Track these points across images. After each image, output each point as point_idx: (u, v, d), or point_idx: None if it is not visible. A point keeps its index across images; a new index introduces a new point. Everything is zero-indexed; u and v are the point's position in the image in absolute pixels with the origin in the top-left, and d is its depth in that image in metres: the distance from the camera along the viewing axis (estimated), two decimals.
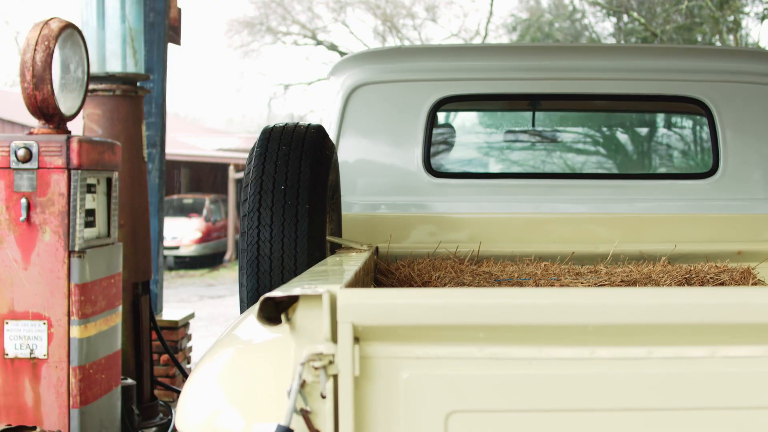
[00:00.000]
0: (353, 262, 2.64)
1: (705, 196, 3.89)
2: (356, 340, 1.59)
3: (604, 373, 1.61)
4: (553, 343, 1.61)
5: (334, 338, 1.58)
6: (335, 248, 3.35)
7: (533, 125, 4.39)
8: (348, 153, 3.91)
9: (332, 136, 3.91)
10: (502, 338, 1.61)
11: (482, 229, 3.89)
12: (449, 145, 4.57)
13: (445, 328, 1.61)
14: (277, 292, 1.62)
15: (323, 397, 1.59)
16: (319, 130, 3.04)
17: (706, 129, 3.96)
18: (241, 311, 2.77)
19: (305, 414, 1.58)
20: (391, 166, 3.92)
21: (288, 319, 1.63)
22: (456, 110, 4.78)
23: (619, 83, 3.92)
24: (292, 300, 1.61)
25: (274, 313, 1.65)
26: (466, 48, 4.83)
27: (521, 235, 3.90)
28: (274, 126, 3.03)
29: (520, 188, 3.99)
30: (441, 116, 4.49)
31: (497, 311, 1.61)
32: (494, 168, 5.04)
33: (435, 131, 4.07)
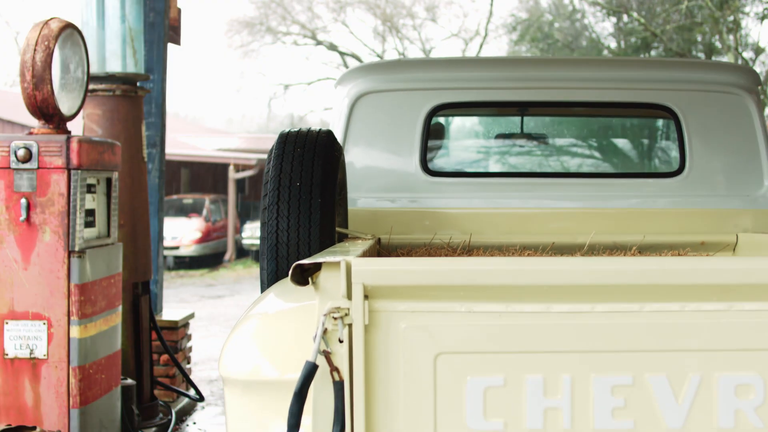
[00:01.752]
0: (359, 247, 3.06)
1: (673, 193, 4.28)
2: (366, 297, 2.04)
3: (557, 323, 2.08)
4: (517, 300, 2.07)
5: (349, 296, 2.03)
6: (342, 238, 3.69)
7: (522, 130, 4.79)
8: (353, 154, 4.29)
9: (339, 139, 4.25)
10: (478, 296, 2.07)
11: (473, 222, 4.25)
12: (444, 147, 5.00)
13: (434, 288, 2.07)
14: (305, 261, 2.06)
15: (341, 341, 2.03)
16: (329, 135, 3.40)
17: (674, 133, 4.38)
18: (262, 291, 3.12)
19: (327, 354, 2.02)
20: (392, 166, 4.31)
21: (313, 282, 2.07)
22: (450, 116, 5.14)
23: (596, 92, 4.35)
24: (317, 267, 2.05)
25: (301, 278, 2.08)
26: (459, 60, 5.47)
27: (508, 227, 4.25)
28: (290, 131, 3.39)
29: (508, 186, 4.38)
30: (438, 121, 4.87)
31: (474, 275, 2.07)
32: (485, 168, 5.44)
33: (431, 135, 4.46)
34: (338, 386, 2.01)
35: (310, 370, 1.99)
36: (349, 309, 2.02)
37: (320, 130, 3.42)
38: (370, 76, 4.33)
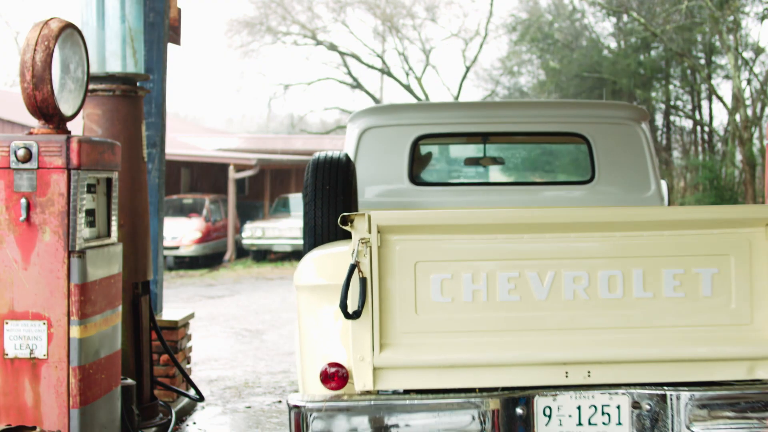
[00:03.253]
0: None
1: (586, 195, 5.97)
2: (378, 232, 3.60)
3: (479, 246, 3.71)
4: (458, 234, 3.70)
5: (369, 231, 3.58)
6: None
7: (484, 153, 6.47)
8: (361, 170, 5.80)
9: (351, 159, 5.57)
10: (437, 231, 3.68)
11: None
12: (426, 165, 6.73)
13: (415, 227, 3.67)
14: (347, 213, 3.57)
15: (365, 256, 3.59)
16: (346, 156, 5.01)
17: (587, 153, 6.03)
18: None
19: (357, 263, 3.58)
20: (388, 178, 5.99)
21: (351, 225, 3.58)
22: (430, 144, 6.85)
23: (534, 125, 6.14)
24: (353, 218, 3.57)
25: (344, 222, 3.58)
26: (436, 104, 7.58)
27: None
28: (320, 155, 5.00)
29: (471, 191, 6.21)
30: (421, 146, 6.58)
31: (434, 219, 3.71)
32: (455, 180, 7.39)
33: (416, 156, 6.11)
34: (363, 281, 3.59)
35: (352, 266, 3.57)
36: (369, 238, 3.58)
37: (340, 153, 5.05)
38: (373, 116, 6.08)
